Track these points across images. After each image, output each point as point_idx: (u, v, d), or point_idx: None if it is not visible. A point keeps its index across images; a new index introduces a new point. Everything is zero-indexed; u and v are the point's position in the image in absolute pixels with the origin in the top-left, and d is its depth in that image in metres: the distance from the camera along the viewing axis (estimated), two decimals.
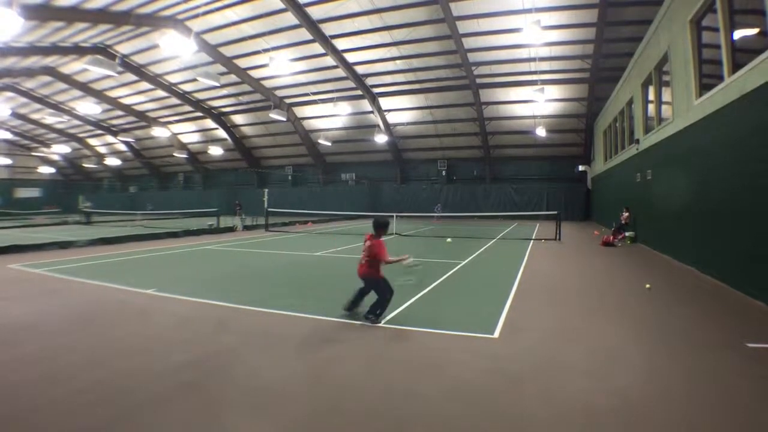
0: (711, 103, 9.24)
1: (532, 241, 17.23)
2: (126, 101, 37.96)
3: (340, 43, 26.32)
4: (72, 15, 22.20)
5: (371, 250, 5.97)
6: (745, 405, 3.66)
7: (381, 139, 34.16)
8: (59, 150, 49.18)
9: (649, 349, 4.99)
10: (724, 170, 8.68)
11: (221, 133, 40.48)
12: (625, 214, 17.18)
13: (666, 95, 13.24)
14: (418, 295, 7.58)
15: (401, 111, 33.86)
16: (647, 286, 8.34)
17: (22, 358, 4.66)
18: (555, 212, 19.29)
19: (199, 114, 38.42)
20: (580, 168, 33.12)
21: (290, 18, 23.53)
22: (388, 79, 30.43)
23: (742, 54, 8.29)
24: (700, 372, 4.33)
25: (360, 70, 29.25)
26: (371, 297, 6.13)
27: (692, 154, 10.48)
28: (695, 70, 10.45)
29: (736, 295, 7.68)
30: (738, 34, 8.53)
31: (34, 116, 42.60)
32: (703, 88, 10.08)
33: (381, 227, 6.21)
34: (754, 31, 8.35)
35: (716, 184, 9.09)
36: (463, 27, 23.24)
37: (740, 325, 5.89)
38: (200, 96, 36.06)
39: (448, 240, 12.26)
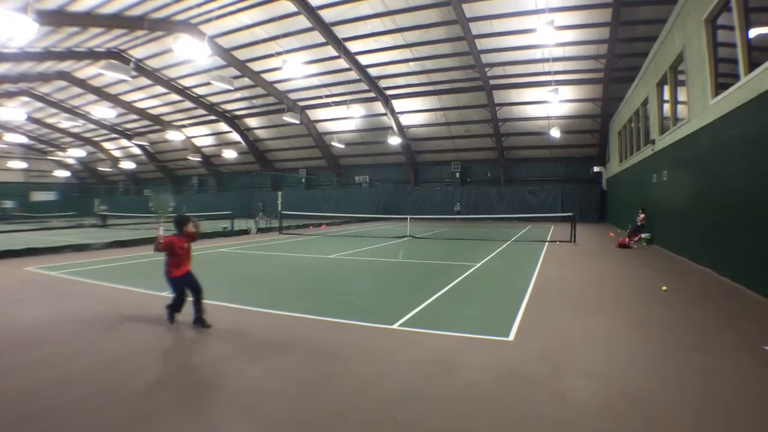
0: (727, 102, 9.09)
1: (547, 243, 17.09)
2: (140, 105, 38.60)
3: (353, 46, 26.44)
4: (86, 20, 22.65)
5: (190, 247, 6.08)
6: (763, 409, 3.60)
7: (394, 141, 34.17)
8: (74, 154, 50.12)
9: (665, 351, 4.93)
10: (741, 170, 8.54)
11: (235, 136, 40.87)
12: (641, 216, 16.98)
13: (682, 95, 13.08)
14: (433, 297, 7.57)
15: (414, 113, 33.84)
16: (663, 288, 8.25)
17: (38, 360, 4.73)
18: (570, 214, 19.07)
19: (213, 117, 38.87)
20: (595, 169, 32.74)
21: (303, 21, 23.69)
22: (401, 81, 30.47)
23: (758, 52, 8.16)
24: (717, 375, 4.27)
25: (373, 72, 29.32)
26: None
27: (709, 154, 10.32)
28: (711, 69, 10.29)
29: (754, 297, 7.54)
30: (754, 32, 8.40)
31: (50, 120, 43.46)
32: (720, 87, 9.92)
33: (182, 223, 6.03)
34: None
35: (733, 184, 8.94)
36: (476, 28, 23.21)
37: (758, 328, 5.79)
38: (214, 99, 36.45)
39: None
